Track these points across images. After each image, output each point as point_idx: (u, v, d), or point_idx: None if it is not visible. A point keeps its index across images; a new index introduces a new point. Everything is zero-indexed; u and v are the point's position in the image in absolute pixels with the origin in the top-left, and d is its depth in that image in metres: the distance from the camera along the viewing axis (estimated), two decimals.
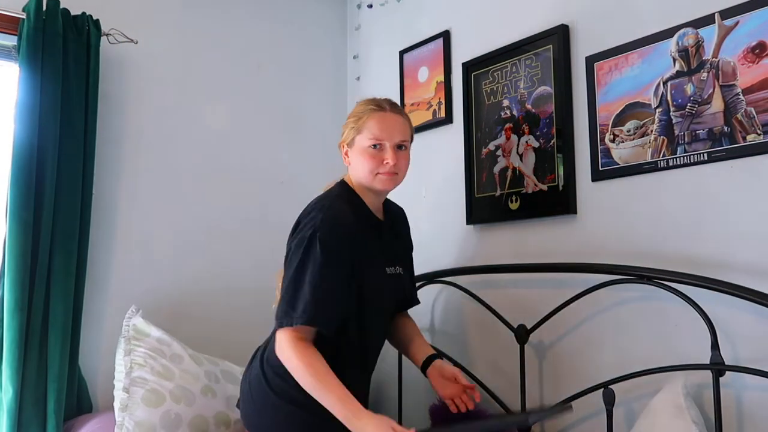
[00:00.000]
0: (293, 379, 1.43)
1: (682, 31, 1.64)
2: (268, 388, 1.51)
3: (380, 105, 1.58)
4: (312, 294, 1.43)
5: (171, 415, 1.81)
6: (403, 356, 1.86)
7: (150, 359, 1.88)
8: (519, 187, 2.00)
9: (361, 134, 1.55)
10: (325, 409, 1.39)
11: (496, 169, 2.08)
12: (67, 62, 2.02)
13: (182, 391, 1.85)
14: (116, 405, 1.81)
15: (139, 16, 2.30)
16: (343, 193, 1.59)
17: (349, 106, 2.80)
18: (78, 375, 2.02)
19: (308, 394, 1.41)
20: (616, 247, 1.75)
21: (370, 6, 2.68)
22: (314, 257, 1.44)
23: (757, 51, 1.50)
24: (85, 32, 2.07)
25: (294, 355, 1.41)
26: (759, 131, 1.49)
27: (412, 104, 2.45)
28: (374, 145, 1.54)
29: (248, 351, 2.35)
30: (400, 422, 2.25)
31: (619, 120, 1.75)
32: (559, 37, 1.91)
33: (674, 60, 1.65)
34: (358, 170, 1.56)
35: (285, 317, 1.44)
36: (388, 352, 2.42)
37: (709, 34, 1.59)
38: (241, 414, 1.64)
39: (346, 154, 1.59)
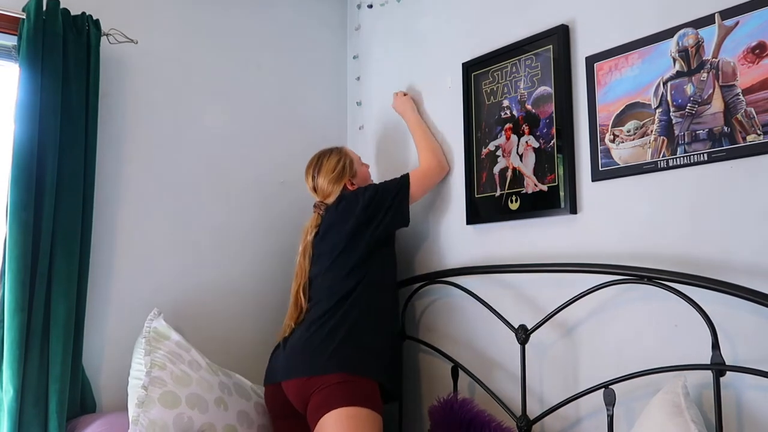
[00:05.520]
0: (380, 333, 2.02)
1: (682, 31, 1.64)
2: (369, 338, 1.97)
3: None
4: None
5: (184, 419, 1.83)
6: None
7: (170, 363, 1.91)
8: (519, 187, 2.00)
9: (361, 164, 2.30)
10: (384, 344, 2.03)
11: (496, 169, 2.08)
12: (67, 62, 2.02)
13: (197, 398, 1.88)
14: (132, 401, 1.83)
15: (139, 16, 2.30)
16: None
17: (350, 106, 2.80)
18: (81, 375, 2.02)
19: (381, 339, 2.02)
20: (616, 247, 1.75)
21: (370, 6, 2.68)
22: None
23: (757, 51, 1.50)
24: (85, 32, 2.06)
25: (433, 166, 2.21)
26: (759, 131, 1.49)
27: None
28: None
29: (248, 351, 2.38)
30: (400, 422, 2.26)
31: (619, 120, 1.76)
32: (559, 37, 1.91)
33: (674, 60, 1.65)
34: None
35: (403, 176, 2.15)
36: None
37: (709, 35, 1.59)
38: (333, 360, 1.88)
39: (353, 179, 2.21)
